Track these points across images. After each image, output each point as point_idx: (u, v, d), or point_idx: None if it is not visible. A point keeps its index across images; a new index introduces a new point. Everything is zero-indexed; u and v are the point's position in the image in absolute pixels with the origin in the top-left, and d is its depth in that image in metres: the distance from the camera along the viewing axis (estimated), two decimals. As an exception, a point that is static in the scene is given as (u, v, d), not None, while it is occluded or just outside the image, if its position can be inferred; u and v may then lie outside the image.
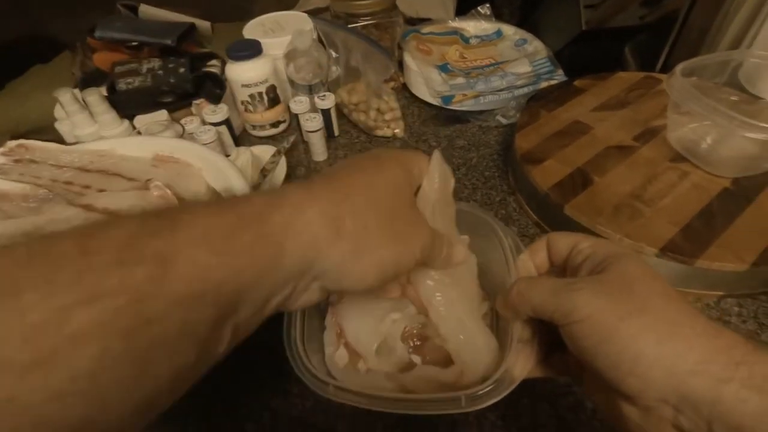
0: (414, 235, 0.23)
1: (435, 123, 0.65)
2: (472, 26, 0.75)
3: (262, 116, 0.62)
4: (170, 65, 0.57)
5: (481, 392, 0.25)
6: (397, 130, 0.62)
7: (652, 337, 0.19)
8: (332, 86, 0.64)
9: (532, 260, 0.28)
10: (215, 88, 0.59)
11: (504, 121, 0.62)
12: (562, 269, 0.27)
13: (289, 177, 0.57)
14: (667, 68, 0.66)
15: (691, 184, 0.45)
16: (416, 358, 0.30)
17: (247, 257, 0.16)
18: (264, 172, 0.55)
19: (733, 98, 0.52)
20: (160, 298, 0.13)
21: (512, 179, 0.54)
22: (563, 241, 0.26)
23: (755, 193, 0.43)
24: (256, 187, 0.53)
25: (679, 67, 0.45)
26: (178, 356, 0.15)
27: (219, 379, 0.37)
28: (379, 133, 0.62)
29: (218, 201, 0.19)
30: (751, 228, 0.40)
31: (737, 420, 0.17)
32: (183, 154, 0.43)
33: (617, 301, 0.20)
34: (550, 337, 0.26)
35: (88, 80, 0.58)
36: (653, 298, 0.20)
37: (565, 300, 0.21)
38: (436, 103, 0.63)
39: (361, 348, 0.31)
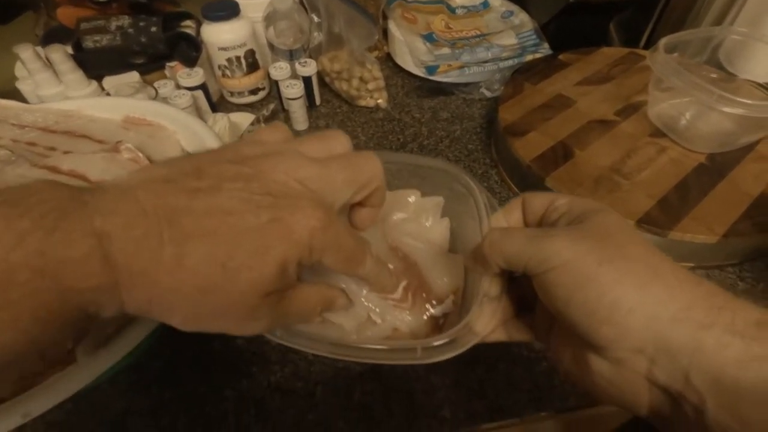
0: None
1: (419, 94, 0.64)
2: (458, -4, 0.74)
3: (240, 82, 0.59)
4: (141, 23, 0.53)
5: (438, 344, 0.23)
6: (380, 101, 0.61)
7: (632, 283, 0.18)
8: (314, 54, 0.62)
9: (505, 220, 0.27)
10: (190, 50, 0.56)
11: (488, 93, 0.62)
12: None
13: (269, 146, 0.56)
14: (650, 45, 0.66)
15: (669, 158, 0.46)
16: (377, 318, 0.28)
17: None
18: (242, 140, 0.53)
19: (713, 75, 0.53)
20: None
21: (495, 152, 0.53)
22: (539, 200, 0.25)
23: (728, 168, 0.44)
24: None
25: (663, 42, 0.46)
26: None
27: (194, 348, 0.37)
28: (362, 102, 0.61)
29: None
30: (723, 202, 0.41)
31: (717, 367, 0.16)
32: (156, 117, 0.41)
33: (597, 247, 0.19)
34: (517, 298, 0.26)
35: (51, 37, 0.55)
36: (634, 246, 0.19)
37: (541, 246, 0.20)
38: (421, 74, 0.62)
39: None
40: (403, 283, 0.28)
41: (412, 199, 0.33)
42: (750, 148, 0.46)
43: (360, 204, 0.24)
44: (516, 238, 0.22)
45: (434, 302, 0.29)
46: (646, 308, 0.18)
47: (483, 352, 0.36)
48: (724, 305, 0.17)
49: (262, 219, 0.18)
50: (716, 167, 0.45)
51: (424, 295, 0.29)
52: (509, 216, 0.26)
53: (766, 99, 0.51)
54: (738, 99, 0.39)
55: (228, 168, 0.19)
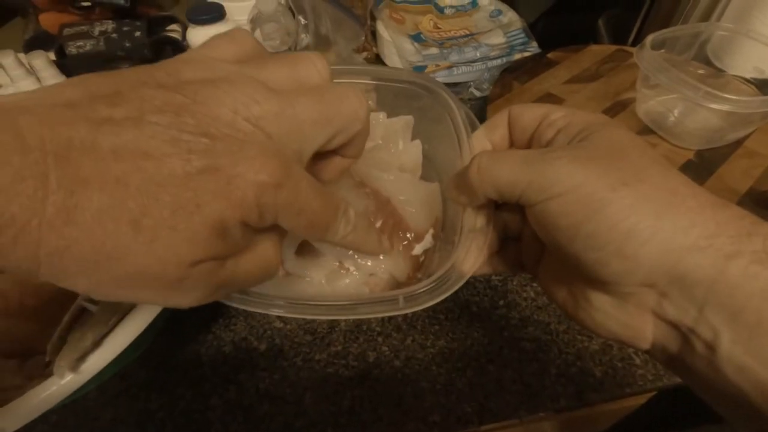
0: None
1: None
2: (447, -5, 0.73)
3: (227, 85, 0.59)
4: (125, 28, 0.53)
5: (422, 290, 0.20)
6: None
7: (650, 210, 0.15)
8: (302, 55, 0.62)
9: (488, 139, 0.23)
10: (176, 55, 0.56)
11: (478, 93, 0.62)
12: (525, 149, 0.22)
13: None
14: (639, 42, 0.66)
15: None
16: (350, 266, 0.25)
17: None
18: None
19: (700, 72, 0.53)
20: None
21: (484, 152, 0.53)
22: (529, 114, 0.21)
23: (717, 164, 0.44)
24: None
25: (650, 39, 0.45)
26: None
27: (181, 355, 0.36)
28: (351, 104, 0.61)
29: None
30: (712, 198, 0.41)
31: (740, 300, 0.14)
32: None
33: (608, 169, 0.16)
34: (502, 225, 0.23)
35: (33, 43, 0.54)
36: (650, 166, 0.16)
37: (542, 171, 0.17)
38: (409, 74, 0.61)
39: None
40: (378, 225, 0.25)
41: (378, 121, 0.28)
42: (738, 143, 0.46)
43: (332, 152, 0.19)
44: (510, 162, 0.18)
45: (413, 240, 0.26)
46: (663, 237, 0.15)
47: (473, 354, 0.36)
48: (754, 231, 0.15)
49: (193, 167, 0.14)
50: (704, 164, 0.44)
51: (401, 234, 0.25)
52: (492, 133, 0.23)
53: (753, 94, 0.51)
54: (724, 95, 0.39)
55: (155, 94, 0.14)
